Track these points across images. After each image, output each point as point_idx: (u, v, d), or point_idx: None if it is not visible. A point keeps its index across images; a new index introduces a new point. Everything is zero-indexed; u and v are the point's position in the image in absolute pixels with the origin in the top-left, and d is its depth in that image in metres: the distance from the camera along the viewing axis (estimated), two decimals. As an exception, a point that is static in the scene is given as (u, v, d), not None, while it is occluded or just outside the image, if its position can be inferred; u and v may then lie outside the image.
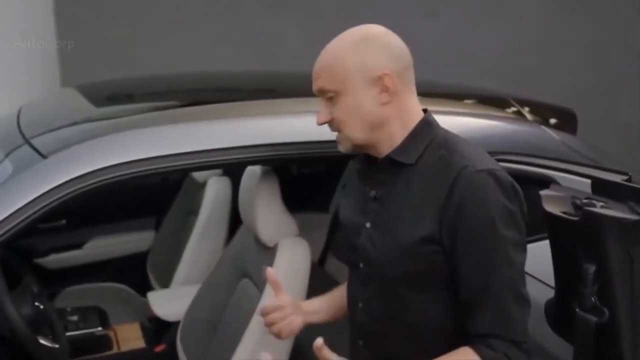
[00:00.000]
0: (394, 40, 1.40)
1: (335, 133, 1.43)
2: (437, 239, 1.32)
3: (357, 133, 1.38)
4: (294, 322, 1.54)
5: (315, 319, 1.60)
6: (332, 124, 1.41)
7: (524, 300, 1.32)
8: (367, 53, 1.35)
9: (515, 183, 1.34)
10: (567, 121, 2.30)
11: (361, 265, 1.45)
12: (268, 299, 1.62)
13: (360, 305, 1.47)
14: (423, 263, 1.34)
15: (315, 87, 1.41)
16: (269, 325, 1.53)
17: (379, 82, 1.35)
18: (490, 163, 1.36)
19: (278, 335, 1.53)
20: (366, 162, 1.47)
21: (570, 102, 2.52)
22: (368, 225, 1.43)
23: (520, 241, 1.32)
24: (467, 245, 1.30)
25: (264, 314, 1.53)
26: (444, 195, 1.31)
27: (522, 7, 4.72)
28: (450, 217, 1.30)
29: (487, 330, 1.30)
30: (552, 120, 2.19)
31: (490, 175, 1.31)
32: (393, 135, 1.39)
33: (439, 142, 1.39)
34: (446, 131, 1.43)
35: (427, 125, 1.41)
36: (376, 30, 1.40)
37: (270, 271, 1.52)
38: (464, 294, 1.33)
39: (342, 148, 1.43)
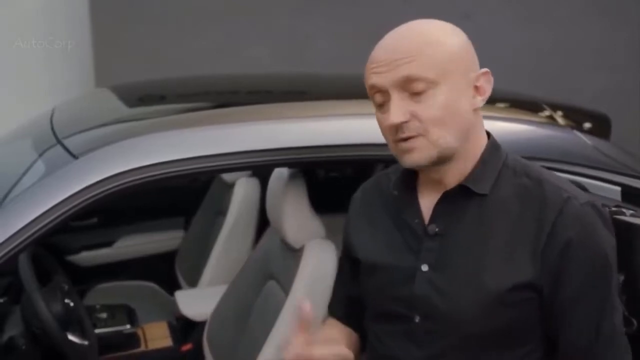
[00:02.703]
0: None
1: (396, 138, 1.16)
2: (536, 283, 1.13)
3: (450, 137, 1.14)
4: None
5: None
6: (410, 125, 1.14)
7: (628, 348, 1.18)
8: (467, 45, 1.17)
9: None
10: (600, 126, 2.26)
11: (417, 319, 1.19)
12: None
13: None
14: (513, 314, 1.14)
15: (397, 75, 1.13)
16: None
17: (477, 81, 1.16)
18: (584, 193, 1.20)
19: None
20: (411, 188, 1.25)
21: (607, 105, 2.49)
22: (425, 268, 1.18)
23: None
24: (578, 290, 1.13)
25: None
26: (546, 232, 1.12)
27: (556, 9, 4.65)
28: (554, 258, 1.12)
29: None
30: (586, 125, 2.16)
31: (593, 208, 1.15)
32: (469, 156, 1.18)
33: (514, 169, 1.20)
34: (514, 155, 1.25)
35: (495, 148, 1.22)
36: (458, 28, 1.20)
37: (305, 307, 1.14)
38: (569, 346, 1.16)
39: (420, 158, 1.15)
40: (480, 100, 1.17)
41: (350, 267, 1.38)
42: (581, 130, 2.05)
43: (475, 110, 1.17)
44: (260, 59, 4.20)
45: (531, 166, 1.23)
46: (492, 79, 1.18)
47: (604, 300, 1.15)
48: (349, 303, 1.41)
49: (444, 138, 1.14)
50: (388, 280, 1.24)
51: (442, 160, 1.17)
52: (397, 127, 1.14)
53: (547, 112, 2.12)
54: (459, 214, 1.19)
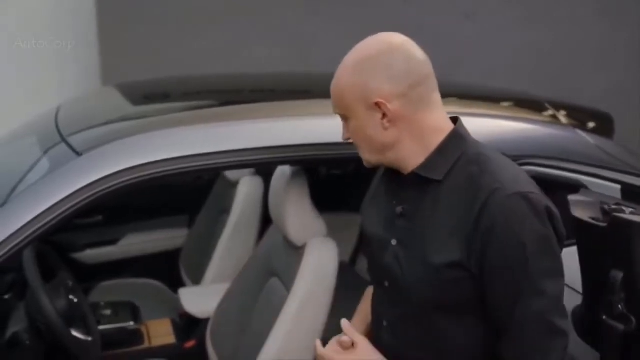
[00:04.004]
0: (400, 55, 1.29)
1: None
2: (465, 264, 1.25)
3: (367, 155, 1.36)
4: None
5: None
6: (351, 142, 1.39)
7: (557, 332, 1.24)
8: (366, 77, 1.29)
9: (551, 205, 1.26)
10: (603, 125, 2.28)
11: (386, 284, 1.40)
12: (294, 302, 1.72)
13: (385, 324, 1.42)
14: (451, 288, 1.28)
15: None
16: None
17: (378, 108, 1.29)
18: (523, 184, 1.26)
19: None
20: (392, 174, 1.41)
21: (607, 105, 2.50)
22: (394, 242, 1.36)
23: (555, 268, 1.25)
24: (495, 274, 1.24)
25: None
26: (473, 220, 1.24)
27: (556, 9, 4.66)
28: (478, 243, 1.23)
29: (517, 358, 1.26)
30: (590, 124, 2.17)
31: (523, 199, 1.22)
32: (410, 155, 1.33)
33: (470, 158, 1.30)
34: (479, 145, 1.34)
35: (456, 138, 1.33)
36: (382, 44, 1.31)
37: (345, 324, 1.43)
38: (493, 322, 1.29)
39: (365, 164, 1.40)
40: (386, 122, 1.30)
41: None
42: (584, 129, 2.06)
43: (389, 128, 1.30)
44: (260, 59, 4.20)
45: (486, 156, 1.30)
46: (388, 106, 1.28)
47: (520, 285, 1.23)
48: None
49: (363, 155, 1.37)
50: (373, 249, 1.43)
51: (384, 163, 1.37)
52: None
53: (550, 112, 2.14)
54: (419, 197, 1.33)
